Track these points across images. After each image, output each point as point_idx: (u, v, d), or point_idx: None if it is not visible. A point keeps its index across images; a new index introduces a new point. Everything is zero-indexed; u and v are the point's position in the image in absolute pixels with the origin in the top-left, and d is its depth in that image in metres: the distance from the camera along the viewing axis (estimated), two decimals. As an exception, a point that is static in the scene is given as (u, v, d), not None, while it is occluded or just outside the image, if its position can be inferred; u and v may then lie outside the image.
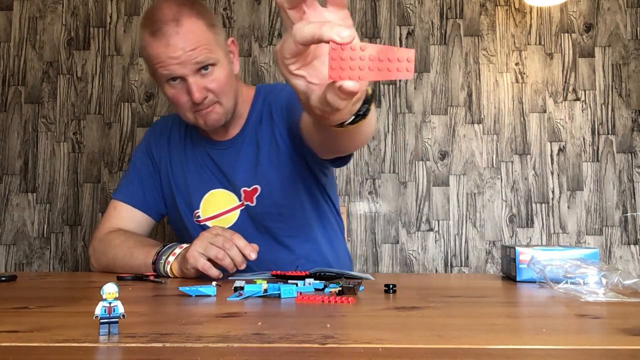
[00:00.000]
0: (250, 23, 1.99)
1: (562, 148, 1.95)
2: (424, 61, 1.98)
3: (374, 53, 0.50)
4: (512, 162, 1.95)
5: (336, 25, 0.50)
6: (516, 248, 0.98)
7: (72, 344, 0.46)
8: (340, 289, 0.78)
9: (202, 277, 1.01)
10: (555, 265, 0.87)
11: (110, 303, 0.49)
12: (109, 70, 1.98)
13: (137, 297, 0.79)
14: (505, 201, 1.93)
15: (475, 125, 1.96)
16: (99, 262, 1.25)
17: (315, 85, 0.58)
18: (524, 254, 0.97)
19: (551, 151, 1.95)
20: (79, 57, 1.99)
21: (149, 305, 0.72)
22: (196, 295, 0.77)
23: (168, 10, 1.11)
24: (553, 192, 1.93)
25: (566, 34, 1.98)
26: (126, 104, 1.98)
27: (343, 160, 1.13)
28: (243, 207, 1.24)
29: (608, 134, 1.94)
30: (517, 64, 1.97)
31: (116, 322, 0.49)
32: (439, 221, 1.93)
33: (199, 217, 1.27)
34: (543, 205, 1.93)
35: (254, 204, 1.23)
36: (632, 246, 1.91)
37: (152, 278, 1.02)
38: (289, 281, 0.85)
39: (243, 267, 1.00)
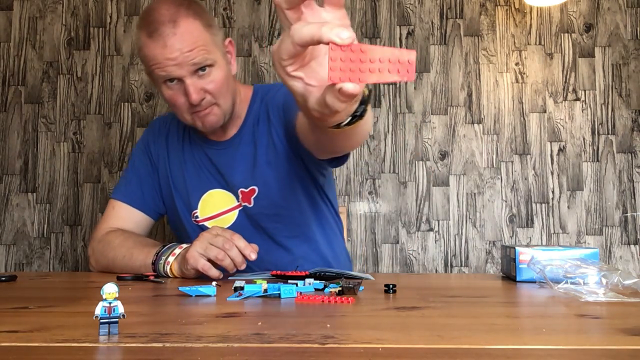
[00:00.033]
0: (250, 23, 1.99)
1: (562, 148, 1.95)
2: (424, 61, 1.98)
3: (374, 54, 0.49)
4: (512, 162, 1.95)
5: (336, 26, 0.49)
6: (516, 248, 0.98)
7: (72, 344, 0.46)
8: (340, 289, 0.78)
9: (202, 277, 1.00)
10: (555, 265, 0.87)
11: (110, 303, 0.49)
12: (109, 70, 1.98)
13: (137, 297, 0.79)
14: (505, 201, 1.93)
15: (475, 125, 1.96)
16: (99, 262, 1.25)
17: (313, 87, 0.56)
18: (524, 254, 0.97)
19: (551, 151, 1.95)
20: (79, 57, 1.99)
21: (149, 305, 0.72)
22: (196, 295, 0.77)
23: (165, 10, 1.10)
24: (553, 192, 1.93)
25: (566, 34, 1.98)
26: (126, 104, 1.98)
27: (340, 160, 1.13)
28: (241, 208, 1.24)
29: (608, 134, 1.94)
30: (517, 64, 1.97)
31: (116, 322, 0.49)
32: (439, 221, 1.93)
33: (197, 217, 1.27)
34: (543, 205, 1.93)
35: (251, 205, 1.23)
36: (632, 246, 1.91)
37: (152, 278, 1.02)
38: (289, 281, 0.85)
39: (243, 267, 1.00)
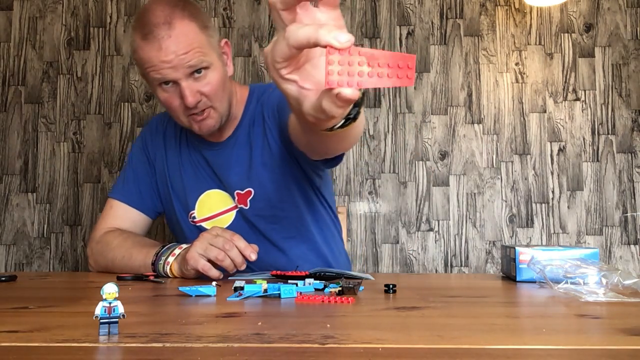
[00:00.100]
0: (250, 23, 1.99)
1: (562, 148, 1.95)
2: (424, 61, 1.98)
3: (373, 58, 0.48)
4: (512, 162, 1.95)
5: (333, 28, 0.47)
6: (516, 248, 0.98)
7: (72, 344, 0.46)
8: (340, 289, 0.78)
9: (202, 277, 1.00)
10: (555, 265, 0.87)
11: (110, 303, 0.49)
12: (109, 70, 1.98)
13: (137, 297, 0.79)
14: (505, 201, 1.94)
15: (475, 125, 1.96)
16: (98, 263, 1.25)
17: (308, 90, 0.54)
18: (524, 254, 0.97)
19: (551, 151, 1.95)
20: (79, 57, 1.99)
21: (149, 305, 0.72)
22: (196, 295, 0.77)
23: (160, 12, 1.08)
24: (553, 192, 1.93)
25: (566, 34, 1.98)
26: (126, 104, 1.98)
27: (334, 161, 1.11)
28: (238, 209, 1.24)
29: (608, 134, 1.94)
30: (517, 64, 1.97)
31: (116, 322, 0.49)
32: (439, 221, 1.93)
33: (194, 218, 1.27)
34: (543, 205, 1.93)
35: (247, 207, 1.23)
36: (632, 246, 1.91)
37: (152, 278, 1.02)
38: (289, 281, 0.85)
39: (243, 267, 1.00)
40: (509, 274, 1.04)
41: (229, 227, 1.22)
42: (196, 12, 1.13)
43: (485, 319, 0.61)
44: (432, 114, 1.96)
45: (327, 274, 0.91)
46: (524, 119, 1.96)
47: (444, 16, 1.99)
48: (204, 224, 1.25)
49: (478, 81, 1.97)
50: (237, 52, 1.97)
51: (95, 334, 0.49)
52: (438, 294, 0.82)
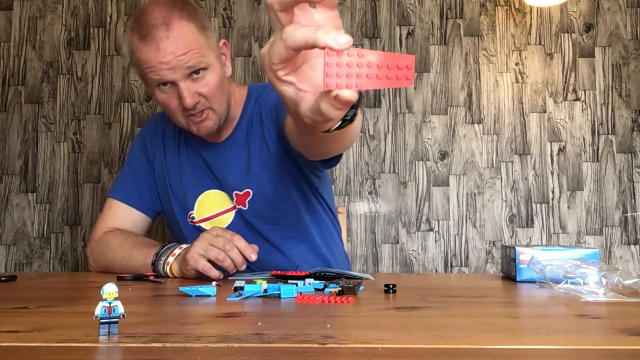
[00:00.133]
0: (250, 23, 1.99)
1: (562, 148, 1.95)
2: (424, 61, 1.98)
3: (372, 60, 0.47)
4: (512, 162, 1.95)
5: (332, 30, 0.46)
6: (516, 248, 0.98)
7: (72, 344, 0.46)
8: (340, 289, 0.78)
9: (202, 277, 1.00)
10: (555, 265, 0.87)
11: (110, 303, 0.49)
12: (109, 70, 1.98)
13: (137, 297, 0.79)
14: (505, 201, 1.93)
15: (475, 125, 1.96)
16: (98, 263, 1.25)
17: (305, 92, 0.53)
18: (524, 254, 0.97)
19: (551, 151, 1.95)
20: (79, 57, 1.99)
21: (149, 305, 0.72)
22: (196, 295, 0.77)
23: (158, 13, 1.07)
24: (553, 192, 1.93)
25: (566, 34, 1.98)
26: (126, 104, 1.98)
27: (332, 162, 1.11)
28: (237, 210, 1.24)
29: (608, 134, 1.94)
30: (517, 64, 1.97)
31: (116, 322, 0.49)
32: (439, 221, 1.93)
33: (193, 218, 1.27)
34: (543, 205, 1.93)
35: (246, 208, 1.22)
36: (632, 246, 1.91)
37: (152, 278, 1.02)
38: (289, 281, 0.85)
39: (243, 268, 1.00)
40: (509, 274, 1.04)
41: (227, 228, 1.22)
42: (194, 13, 1.12)
43: (485, 319, 0.61)
44: (432, 114, 1.96)
45: (327, 274, 0.91)
46: (524, 119, 1.96)
47: (444, 16, 1.99)
48: (202, 225, 1.25)
49: (478, 81, 1.97)
50: (237, 52, 1.98)
51: (95, 334, 0.49)
52: (438, 294, 0.82)
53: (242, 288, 0.78)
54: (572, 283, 0.81)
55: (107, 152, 1.96)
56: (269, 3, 0.50)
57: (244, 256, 0.99)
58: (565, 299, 0.75)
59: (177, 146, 1.30)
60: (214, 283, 0.84)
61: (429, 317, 0.61)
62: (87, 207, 1.95)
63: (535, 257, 0.95)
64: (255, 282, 0.81)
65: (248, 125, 1.24)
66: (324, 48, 0.47)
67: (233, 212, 1.24)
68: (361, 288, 0.81)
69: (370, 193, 1.94)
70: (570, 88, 1.96)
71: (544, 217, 1.93)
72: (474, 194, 1.94)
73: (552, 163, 1.94)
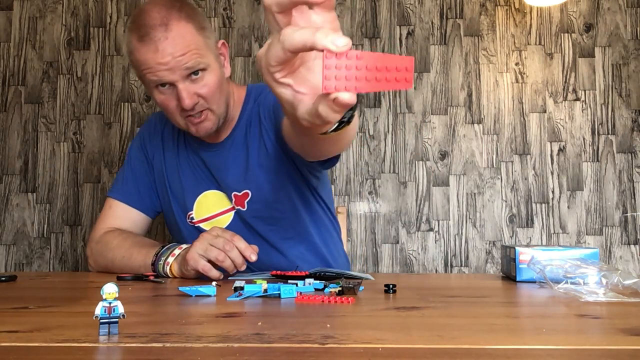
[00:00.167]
0: (250, 23, 1.99)
1: (562, 148, 1.95)
2: (424, 61, 1.98)
3: (370, 62, 0.46)
4: (512, 162, 1.95)
5: (330, 32, 0.46)
6: (516, 248, 0.98)
7: (72, 344, 0.46)
8: (340, 289, 0.78)
9: (202, 278, 1.00)
10: (555, 265, 0.87)
11: (110, 303, 0.49)
12: (109, 70, 1.98)
13: (137, 297, 0.79)
14: (505, 201, 1.93)
15: (475, 125, 1.96)
16: (97, 263, 1.24)
17: (303, 94, 0.53)
18: (524, 254, 0.97)
19: (551, 151, 1.95)
20: (79, 57, 1.99)
21: (149, 305, 0.72)
22: (196, 295, 0.77)
23: (156, 13, 1.07)
24: (553, 192, 1.93)
25: (566, 34, 1.98)
26: (126, 104, 1.98)
27: (330, 162, 1.11)
28: (235, 210, 1.24)
29: (608, 134, 1.95)
30: (517, 64, 1.97)
31: (116, 322, 0.49)
32: (439, 221, 1.93)
33: (192, 218, 1.27)
34: (543, 205, 1.93)
35: (245, 209, 1.22)
36: (632, 246, 1.91)
37: (152, 278, 1.02)
38: (289, 281, 0.85)
39: (243, 268, 1.00)
40: (509, 274, 1.04)
41: (227, 228, 1.22)
42: (193, 14, 1.11)
43: (485, 319, 0.61)
44: (432, 114, 1.96)
45: (327, 274, 0.91)
46: (524, 119, 1.96)
47: (444, 16, 1.99)
48: (202, 225, 1.25)
49: (478, 81, 1.97)
50: (237, 52, 1.98)
51: (95, 334, 0.49)
52: (438, 294, 0.82)
53: (242, 288, 0.78)
54: (572, 283, 0.81)
55: (107, 152, 1.96)
56: (267, 5, 0.50)
57: (244, 257, 0.99)
58: (565, 299, 0.75)
59: (176, 146, 1.30)
60: (214, 283, 0.84)
61: (429, 317, 0.61)
62: (87, 207, 1.95)
63: (535, 257, 0.95)
64: (255, 282, 0.81)
65: (247, 126, 1.24)
66: (322, 50, 0.46)
67: (232, 213, 1.24)
68: (361, 288, 0.81)
69: (370, 193, 1.94)
70: (570, 88, 1.96)
71: (544, 217, 1.93)
72: (474, 194, 1.94)
73: (552, 163, 1.94)
